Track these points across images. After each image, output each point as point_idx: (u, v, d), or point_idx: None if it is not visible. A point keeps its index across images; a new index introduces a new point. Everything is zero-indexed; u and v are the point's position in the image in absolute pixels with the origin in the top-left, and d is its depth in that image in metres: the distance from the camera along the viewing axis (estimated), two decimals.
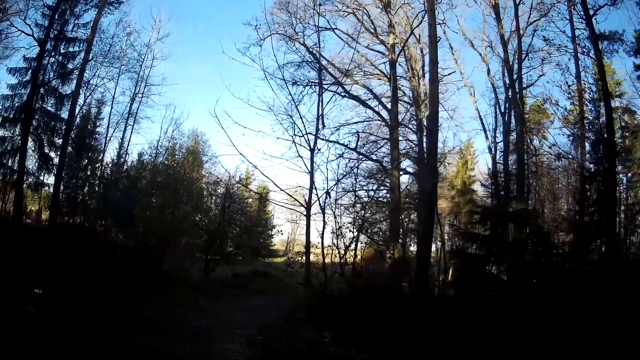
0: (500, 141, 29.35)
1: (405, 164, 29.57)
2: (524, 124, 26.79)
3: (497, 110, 29.61)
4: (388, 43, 28.06)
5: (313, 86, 27.08)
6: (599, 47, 22.64)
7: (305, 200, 24.07)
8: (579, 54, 24.82)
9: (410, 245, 23.74)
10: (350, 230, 22.11)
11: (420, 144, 27.75)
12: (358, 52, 27.09)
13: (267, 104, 25.49)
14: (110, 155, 38.36)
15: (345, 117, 27.16)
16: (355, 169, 26.71)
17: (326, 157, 26.82)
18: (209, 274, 25.41)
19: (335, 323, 15.38)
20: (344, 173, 24.92)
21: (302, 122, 24.76)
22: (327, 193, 23.41)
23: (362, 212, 24.32)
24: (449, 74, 28.62)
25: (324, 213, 22.53)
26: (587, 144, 25.02)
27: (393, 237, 23.19)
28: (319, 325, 15.39)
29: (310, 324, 15.76)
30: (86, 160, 34.95)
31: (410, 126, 29.30)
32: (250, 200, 35.01)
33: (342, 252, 21.02)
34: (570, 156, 26.70)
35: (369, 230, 22.73)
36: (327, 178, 24.52)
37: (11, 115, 33.28)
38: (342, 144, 26.50)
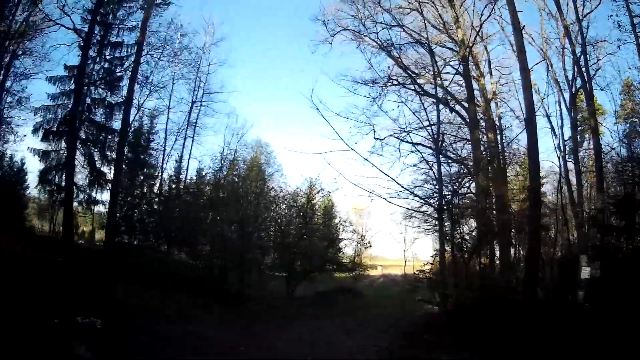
0: (569, 138, 28.00)
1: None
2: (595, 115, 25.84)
3: (562, 106, 28.15)
4: (457, 38, 26.15)
5: (390, 86, 25.96)
6: None
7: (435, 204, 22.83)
8: None
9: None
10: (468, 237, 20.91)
11: (495, 142, 25.94)
12: (430, 49, 24.92)
13: (346, 108, 25.53)
14: (170, 168, 36.89)
15: (415, 118, 25.33)
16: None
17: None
18: (291, 293, 23.70)
19: (466, 342, 13.37)
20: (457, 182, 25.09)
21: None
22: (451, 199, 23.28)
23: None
24: (537, 63, 26.85)
25: (452, 218, 21.49)
26: None
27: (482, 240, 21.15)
28: (453, 347, 13.34)
29: (441, 347, 13.55)
30: (142, 177, 33.24)
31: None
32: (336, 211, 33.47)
33: (467, 258, 19.85)
34: None
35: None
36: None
37: (54, 128, 32.32)
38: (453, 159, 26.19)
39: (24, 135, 33.08)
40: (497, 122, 26.19)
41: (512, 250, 23.47)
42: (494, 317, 13.88)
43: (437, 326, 16.20)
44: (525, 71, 18.89)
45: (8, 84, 34.06)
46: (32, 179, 36.87)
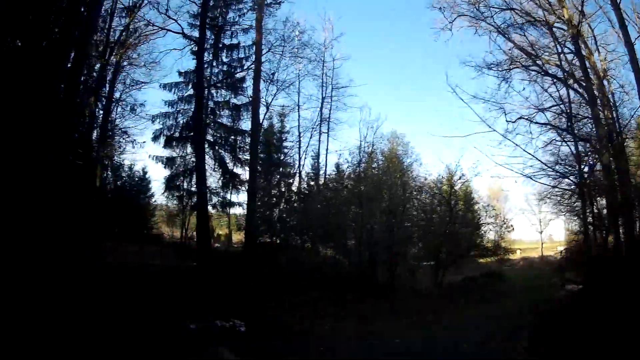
0: None
1: None
2: None
3: None
4: (564, 18, 24.74)
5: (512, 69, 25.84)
6: None
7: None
8: None
9: None
10: None
11: (612, 119, 24.63)
12: (550, 27, 23.94)
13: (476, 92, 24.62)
14: (307, 164, 37.00)
15: (538, 99, 24.51)
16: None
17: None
18: (439, 281, 22.92)
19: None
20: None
21: None
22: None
23: None
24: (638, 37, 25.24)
25: (589, 196, 22.03)
26: None
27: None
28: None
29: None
30: (278, 176, 33.15)
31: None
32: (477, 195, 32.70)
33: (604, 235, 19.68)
34: None
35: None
36: None
37: (176, 134, 32.82)
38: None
39: (143, 142, 33.60)
40: (611, 99, 24.91)
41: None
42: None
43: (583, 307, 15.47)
44: (629, 45, 19.37)
45: (117, 94, 34.84)
46: (155, 186, 37.47)
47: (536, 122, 24.37)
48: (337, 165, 32.14)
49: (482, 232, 28.21)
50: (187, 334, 11.50)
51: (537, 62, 25.47)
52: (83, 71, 12.15)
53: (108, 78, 34.52)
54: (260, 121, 30.47)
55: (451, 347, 11.61)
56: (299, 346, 11.71)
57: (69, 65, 15.16)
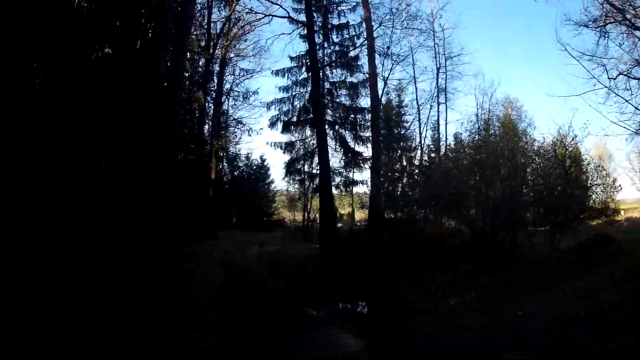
0: None
1: None
2: None
3: None
4: None
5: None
6: None
7: None
8: None
9: None
10: None
11: None
12: None
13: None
14: (427, 137, 37.53)
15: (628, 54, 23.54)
16: None
17: None
18: (556, 246, 22.45)
19: None
20: None
21: None
22: None
23: None
24: None
25: None
26: None
27: None
28: None
29: None
30: (399, 151, 33.46)
31: None
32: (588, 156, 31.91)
33: None
34: None
35: None
36: None
37: (294, 118, 33.83)
38: None
39: (260, 129, 34.79)
40: None
41: None
42: None
43: None
44: None
45: (227, 86, 37.00)
46: (275, 172, 38.53)
47: (634, 77, 22.81)
48: (456, 135, 32.82)
49: (592, 193, 27.23)
50: (309, 321, 11.91)
51: (627, 16, 23.95)
52: (184, 67, 12.16)
53: (215, 71, 36.48)
54: (379, 96, 30.53)
55: (587, 314, 11.05)
56: (426, 326, 11.24)
57: (168, 63, 15.60)
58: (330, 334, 10.40)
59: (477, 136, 28.36)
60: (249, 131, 38.08)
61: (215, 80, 36.58)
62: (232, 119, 39.16)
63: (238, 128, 38.87)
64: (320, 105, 29.90)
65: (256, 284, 17.08)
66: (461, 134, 30.48)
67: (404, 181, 30.69)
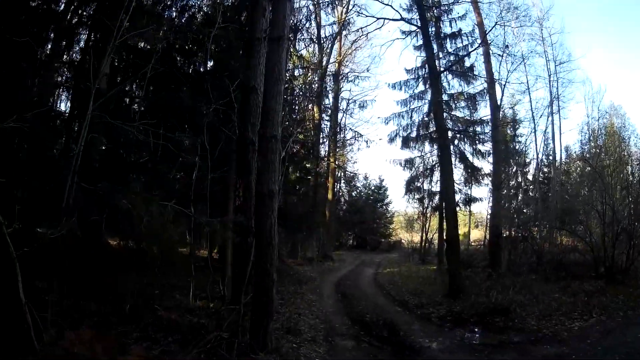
0: None
1: None
2: None
3: None
4: None
5: None
6: None
7: None
8: None
9: None
10: None
11: None
12: None
13: None
14: (539, 150, 36.36)
15: None
16: None
17: None
18: None
19: None
20: None
21: None
22: None
23: None
24: None
25: None
26: None
27: None
28: None
29: None
30: (514, 166, 32.46)
31: None
32: None
33: None
34: None
35: None
36: None
37: (412, 133, 33.37)
38: None
39: (380, 139, 34.72)
40: None
41: None
42: None
43: None
44: None
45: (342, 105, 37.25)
46: (392, 193, 38.44)
47: None
48: (567, 148, 31.22)
49: None
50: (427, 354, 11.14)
51: None
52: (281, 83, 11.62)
53: (330, 87, 36.57)
54: (499, 105, 29.63)
55: None
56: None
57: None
58: None
59: (586, 147, 27.35)
60: (366, 142, 37.75)
61: (332, 96, 37.14)
62: (349, 129, 39.04)
63: (357, 140, 38.64)
64: (442, 111, 29.25)
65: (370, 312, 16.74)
66: (572, 145, 29.55)
67: (520, 197, 29.28)
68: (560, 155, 35.11)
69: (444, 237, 24.85)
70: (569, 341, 10.90)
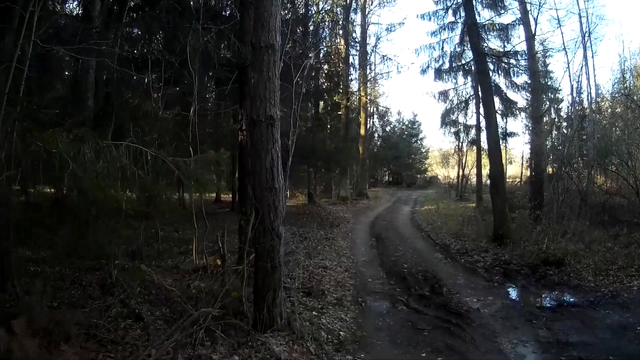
0: None
1: None
2: None
3: None
4: None
5: None
6: None
7: None
8: None
9: None
10: None
11: None
12: None
13: None
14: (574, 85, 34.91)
15: None
16: None
17: None
18: None
19: None
20: None
21: None
22: None
23: None
24: None
25: None
26: None
27: None
28: None
29: None
30: (547, 102, 31.01)
31: None
32: None
33: None
34: None
35: None
36: None
37: (445, 65, 31.36)
38: None
39: (411, 64, 33.74)
40: None
41: None
42: None
43: None
44: None
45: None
46: (426, 128, 37.35)
47: None
48: (597, 87, 30.73)
49: None
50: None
51: None
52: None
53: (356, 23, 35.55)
54: (534, 34, 27.80)
55: None
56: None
57: None
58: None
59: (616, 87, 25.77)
60: (397, 67, 36.63)
61: (360, 31, 36.05)
62: (378, 54, 37.94)
63: (384, 63, 36.99)
64: (477, 34, 27.69)
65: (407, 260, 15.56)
66: (604, 84, 27.99)
67: (553, 134, 28.07)
68: (597, 91, 33.50)
69: (487, 174, 24.38)
70: (630, 305, 9.67)
